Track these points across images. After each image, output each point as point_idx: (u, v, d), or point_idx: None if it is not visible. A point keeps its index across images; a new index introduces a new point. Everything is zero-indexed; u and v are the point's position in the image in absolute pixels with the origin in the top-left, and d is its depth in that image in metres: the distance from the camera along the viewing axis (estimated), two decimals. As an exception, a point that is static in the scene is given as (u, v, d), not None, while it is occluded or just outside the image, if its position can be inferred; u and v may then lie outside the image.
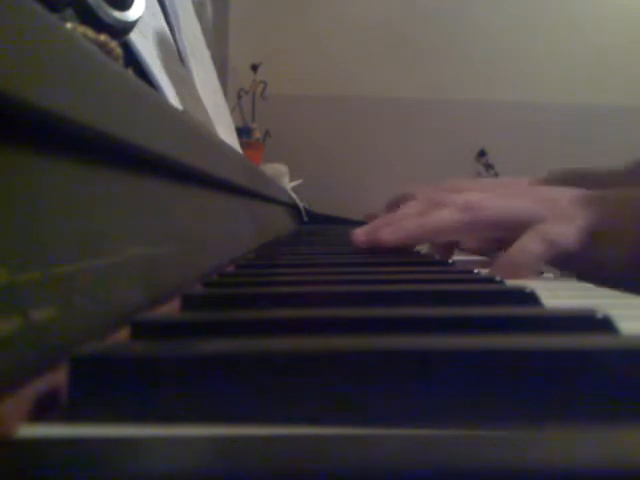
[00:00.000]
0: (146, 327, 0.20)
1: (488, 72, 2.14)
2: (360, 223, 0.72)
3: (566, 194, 0.48)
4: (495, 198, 0.49)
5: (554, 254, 0.45)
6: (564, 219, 0.46)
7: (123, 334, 0.20)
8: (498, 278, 0.33)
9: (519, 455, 0.10)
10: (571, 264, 0.48)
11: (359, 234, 0.53)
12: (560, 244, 0.45)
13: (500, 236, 0.50)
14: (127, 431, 0.13)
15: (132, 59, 0.45)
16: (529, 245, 0.45)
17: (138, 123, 0.22)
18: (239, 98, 1.70)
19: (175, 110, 0.32)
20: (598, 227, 0.45)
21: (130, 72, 0.39)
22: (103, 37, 0.30)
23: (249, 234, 0.56)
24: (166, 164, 0.27)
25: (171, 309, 0.26)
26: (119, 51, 0.32)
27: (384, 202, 0.72)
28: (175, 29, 0.64)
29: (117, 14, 0.34)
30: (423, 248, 0.62)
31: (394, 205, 0.63)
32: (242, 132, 1.43)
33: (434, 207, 0.50)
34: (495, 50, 2.14)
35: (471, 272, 0.38)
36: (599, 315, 0.20)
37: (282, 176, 1.45)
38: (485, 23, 2.13)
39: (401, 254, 0.52)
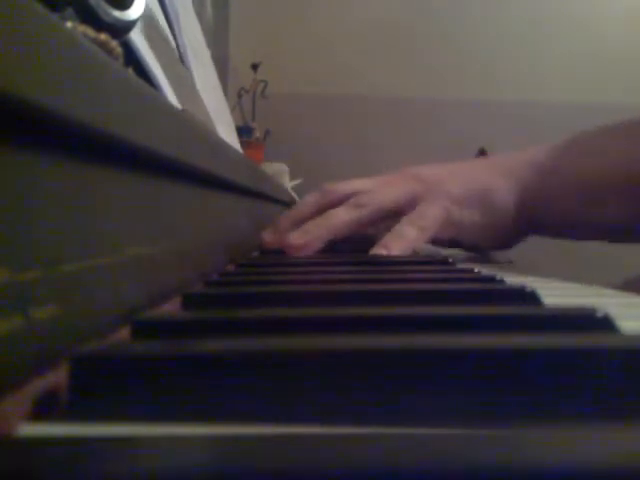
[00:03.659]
0: (146, 327, 0.20)
1: (488, 71, 2.14)
2: None
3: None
4: (380, 188, 0.56)
5: (427, 237, 0.54)
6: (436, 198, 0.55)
7: (123, 334, 0.20)
8: (498, 277, 0.33)
9: (519, 455, 0.10)
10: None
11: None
12: (430, 227, 0.53)
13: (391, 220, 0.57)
14: (127, 431, 0.13)
15: (132, 58, 0.45)
16: (404, 232, 0.52)
17: (138, 122, 0.22)
18: (239, 97, 1.70)
19: (175, 109, 0.32)
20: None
21: (130, 71, 0.39)
22: (103, 36, 0.30)
23: (250, 233, 0.57)
24: (167, 163, 0.27)
25: (172, 308, 0.26)
26: (119, 50, 0.32)
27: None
28: (175, 28, 0.64)
29: (117, 13, 0.34)
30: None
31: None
32: (242, 131, 1.43)
33: (328, 204, 0.56)
34: (495, 49, 2.14)
35: (471, 271, 0.38)
36: (599, 314, 0.20)
37: (282, 176, 1.45)
38: (485, 22, 2.13)
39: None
